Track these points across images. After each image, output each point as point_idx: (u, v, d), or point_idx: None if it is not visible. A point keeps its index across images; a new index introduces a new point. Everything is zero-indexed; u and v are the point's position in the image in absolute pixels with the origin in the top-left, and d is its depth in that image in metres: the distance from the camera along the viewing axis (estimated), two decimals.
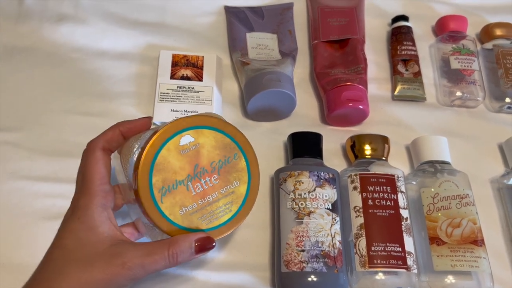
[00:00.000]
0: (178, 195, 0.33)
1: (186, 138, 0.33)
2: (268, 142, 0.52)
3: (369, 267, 0.42)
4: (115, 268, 0.31)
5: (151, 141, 0.32)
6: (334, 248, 0.42)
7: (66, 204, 0.35)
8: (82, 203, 0.33)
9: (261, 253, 0.45)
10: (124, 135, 0.35)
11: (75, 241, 0.32)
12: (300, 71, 0.57)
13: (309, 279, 0.40)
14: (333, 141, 0.52)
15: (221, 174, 0.34)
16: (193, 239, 0.32)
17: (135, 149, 0.34)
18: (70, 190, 0.44)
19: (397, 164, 0.50)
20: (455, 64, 0.56)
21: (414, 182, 0.48)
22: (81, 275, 0.30)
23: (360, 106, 0.50)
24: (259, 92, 0.48)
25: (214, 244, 0.33)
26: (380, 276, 0.42)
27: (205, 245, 0.33)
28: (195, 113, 0.35)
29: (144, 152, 0.32)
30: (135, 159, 0.33)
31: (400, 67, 0.57)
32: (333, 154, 0.51)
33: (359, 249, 0.43)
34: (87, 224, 0.32)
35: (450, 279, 0.42)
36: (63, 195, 0.44)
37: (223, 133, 0.35)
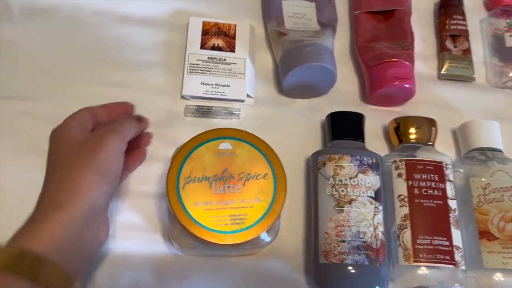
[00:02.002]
0: (200, 188, 0.34)
1: (225, 145, 0.36)
2: (304, 120, 0.48)
3: (414, 261, 0.39)
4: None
5: (194, 137, 0.36)
6: (376, 239, 0.39)
7: None
8: None
9: (294, 239, 0.42)
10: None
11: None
12: (338, 43, 0.52)
13: (350, 272, 0.38)
14: (374, 122, 0.48)
15: (246, 186, 0.35)
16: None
17: None
18: None
19: (442, 149, 0.46)
20: (510, 42, 0.51)
21: (462, 170, 0.44)
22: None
23: (407, 85, 0.46)
24: (297, 66, 0.44)
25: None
26: (423, 270, 0.39)
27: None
28: (243, 130, 0.37)
29: (186, 142, 0.36)
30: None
31: (449, 43, 0.52)
32: (373, 136, 0.47)
33: (403, 241, 0.40)
34: None
35: (498, 276, 0.39)
36: None
37: (262, 153, 0.36)
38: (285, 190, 0.35)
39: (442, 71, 0.51)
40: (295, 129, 0.47)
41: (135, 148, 0.41)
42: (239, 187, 0.35)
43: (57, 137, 0.35)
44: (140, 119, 0.39)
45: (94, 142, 0.34)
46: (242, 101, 0.47)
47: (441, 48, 0.52)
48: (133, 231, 0.41)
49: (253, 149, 0.36)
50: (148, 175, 0.43)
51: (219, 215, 0.34)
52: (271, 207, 0.35)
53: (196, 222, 0.34)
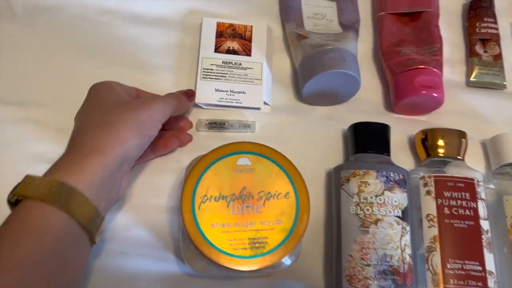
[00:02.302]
0: (217, 208, 0.32)
1: (244, 160, 0.33)
2: (324, 129, 0.45)
3: None
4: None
5: (210, 152, 0.33)
6: (404, 263, 0.36)
7: None
8: None
9: (314, 260, 0.40)
10: None
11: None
12: (360, 46, 0.49)
13: None
14: (398, 131, 0.45)
15: (266, 206, 0.32)
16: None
17: None
18: None
19: (470, 162, 0.43)
20: None
21: (493, 187, 0.41)
22: None
23: (435, 94, 0.43)
24: (320, 73, 0.41)
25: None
26: None
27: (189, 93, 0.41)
28: (262, 144, 0.34)
29: (202, 158, 0.33)
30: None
31: (478, 48, 0.49)
32: (398, 148, 0.45)
33: (431, 265, 0.37)
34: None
35: None
36: None
37: (282, 169, 0.33)
38: (308, 212, 0.33)
39: (471, 78, 0.48)
40: (314, 139, 0.45)
41: (169, 135, 0.41)
42: (258, 207, 0.32)
43: (98, 88, 0.37)
44: (189, 95, 0.41)
45: (139, 103, 0.35)
46: (258, 109, 0.44)
47: (470, 53, 0.49)
48: (143, 248, 0.39)
49: (273, 165, 0.34)
50: (159, 188, 0.41)
51: (237, 238, 0.31)
52: (293, 230, 0.32)
53: (213, 245, 0.31)
